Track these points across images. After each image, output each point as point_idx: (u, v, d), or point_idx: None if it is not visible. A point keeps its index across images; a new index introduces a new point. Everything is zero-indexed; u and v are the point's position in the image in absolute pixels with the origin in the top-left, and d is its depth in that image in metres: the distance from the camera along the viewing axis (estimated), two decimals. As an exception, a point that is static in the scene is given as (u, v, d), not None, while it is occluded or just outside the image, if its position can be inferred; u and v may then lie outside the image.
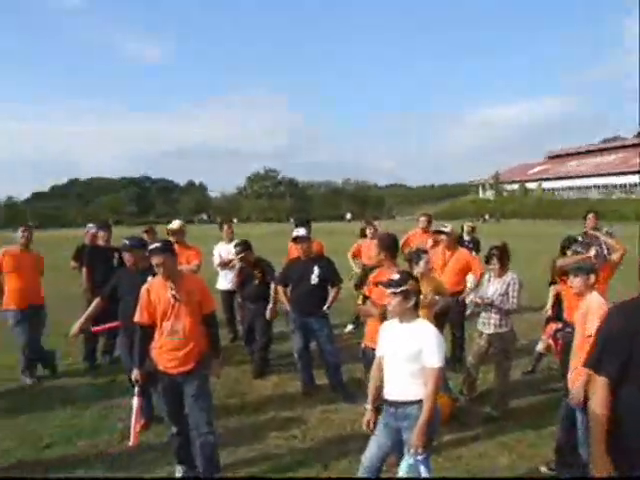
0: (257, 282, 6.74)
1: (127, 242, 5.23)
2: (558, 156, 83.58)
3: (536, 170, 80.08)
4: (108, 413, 5.68)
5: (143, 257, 5.03)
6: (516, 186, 73.29)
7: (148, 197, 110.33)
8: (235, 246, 6.97)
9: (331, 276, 6.10)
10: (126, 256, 5.25)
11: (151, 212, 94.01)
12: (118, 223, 78.35)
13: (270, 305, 6.68)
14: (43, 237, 7.08)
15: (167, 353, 4.10)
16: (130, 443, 4.38)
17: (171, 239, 6.67)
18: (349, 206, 79.97)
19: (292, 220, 56.94)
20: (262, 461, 4.61)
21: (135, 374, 4.23)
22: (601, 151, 76.26)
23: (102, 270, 6.88)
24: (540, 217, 55.88)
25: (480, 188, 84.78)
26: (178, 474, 4.35)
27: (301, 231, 6.20)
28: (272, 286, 6.67)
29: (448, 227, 7.05)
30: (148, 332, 4.18)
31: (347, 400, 5.81)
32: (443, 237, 6.92)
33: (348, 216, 67.73)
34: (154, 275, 4.35)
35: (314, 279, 5.96)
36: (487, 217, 59.96)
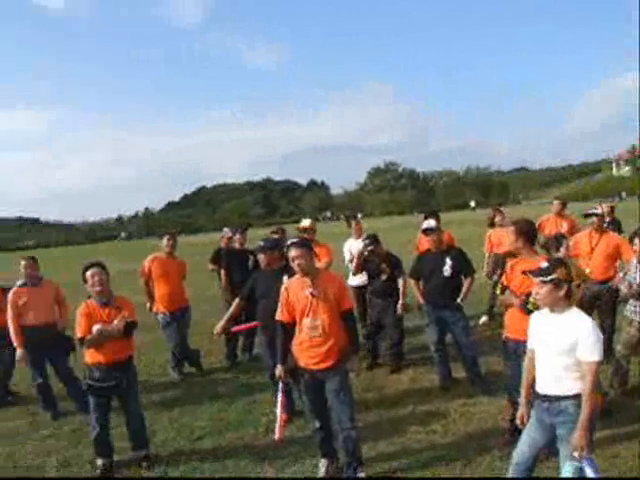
0: (385, 277, 6.72)
1: (262, 244, 5.43)
2: None
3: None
4: (252, 408, 5.92)
5: (277, 258, 5.22)
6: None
7: (272, 199, 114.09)
8: (364, 239, 6.98)
9: (463, 267, 5.97)
10: (261, 257, 5.45)
11: (277, 213, 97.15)
12: (247, 226, 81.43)
13: (400, 300, 6.65)
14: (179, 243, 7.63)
15: (308, 350, 4.19)
16: (275, 437, 4.54)
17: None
18: (473, 194, 77.61)
19: (416, 212, 56.25)
20: (403, 455, 4.60)
21: (278, 370, 4.38)
22: None
23: (239, 272, 7.25)
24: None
25: (614, 165, 79.02)
26: (322, 467, 4.44)
27: (431, 223, 6.11)
28: (400, 281, 6.64)
29: (599, 208, 6.59)
30: (289, 330, 4.30)
31: (486, 393, 5.65)
32: (594, 219, 6.46)
33: (472, 204, 65.79)
34: (290, 275, 4.49)
35: (447, 271, 5.85)
36: (624, 195, 55.68)
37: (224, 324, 5.53)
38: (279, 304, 4.31)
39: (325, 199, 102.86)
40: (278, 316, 4.32)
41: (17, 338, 5.95)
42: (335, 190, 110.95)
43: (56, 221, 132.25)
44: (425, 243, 6.61)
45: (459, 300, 5.90)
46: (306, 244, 4.24)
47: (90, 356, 4.71)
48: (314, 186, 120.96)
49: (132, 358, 4.93)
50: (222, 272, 7.66)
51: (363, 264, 6.96)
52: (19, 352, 5.94)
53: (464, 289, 5.94)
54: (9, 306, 6.01)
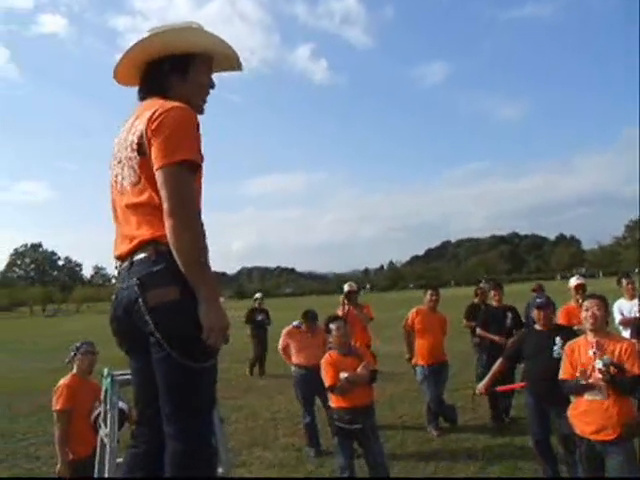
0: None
1: (540, 300, 5.18)
2: None
3: None
4: (515, 472, 5.61)
5: (552, 316, 5.04)
6: None
7: (519, 254, 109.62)
8: None
9: None
10: (538, 314, 5.09)
11: (523, 269, 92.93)
12: (487, 282, 79.17)
13: None
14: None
15: (585, 415, 3.90)
16: None
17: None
18: None
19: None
20: None
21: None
22: None
23: (495, 329, 7.07)
24: None
25: None
26: None
27: None
28: None
29: None
30: None
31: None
32: None
33: None
34: (563, 336, 4.30)
35: None
36: None
37: (487, 383, 5.38)
38: (563, 362, 4.12)
39: (577, 254, 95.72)
40: (561, 375, 4.11)
41: None
42: (587, 245, 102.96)
43: (310, 271, 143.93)
44: None
45: None
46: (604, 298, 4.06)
47: (336, 401, 5.08)
48: (563, 240, 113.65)
49: (373, 404, 5.21)
50: (478, 329, 7.53)
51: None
52: None
53: None
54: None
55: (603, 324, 4.02)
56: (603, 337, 3.95)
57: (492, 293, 7.62)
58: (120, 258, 2.25)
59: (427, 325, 7.20)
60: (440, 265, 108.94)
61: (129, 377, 2.46)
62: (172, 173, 2.02)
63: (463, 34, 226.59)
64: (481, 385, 5.38)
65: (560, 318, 6.53)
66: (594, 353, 3.86)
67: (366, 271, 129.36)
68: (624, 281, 7.40)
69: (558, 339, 4.74)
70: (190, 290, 2.00)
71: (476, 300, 8.45)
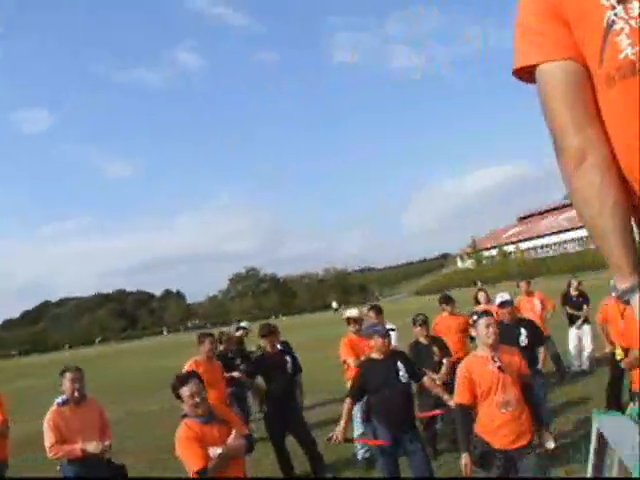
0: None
1: (378, 327, 4.86)
2: (528, 216, 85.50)
3: (510, 233, 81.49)
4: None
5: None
6: (494, 251, 74.06)
7: (128, 310, 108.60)
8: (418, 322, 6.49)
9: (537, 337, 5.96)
10: (380, 342, 4.70)
11: (137, 325, 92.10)
12: (103, 341, 76.56)
13: None
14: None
15: (501, 428, 3.91)
16: None
17: (351, 328, 6.43)
18: (335, 295, 79.94)
19: (281, 315, 54.98)
20: None
21: (466, 459, 3.93)
22: (570, 206, 78.33)
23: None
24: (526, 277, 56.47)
25: (458, 259, 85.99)
26: None
27: (505, 296, 5.94)
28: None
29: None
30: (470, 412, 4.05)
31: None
32: None
33: (334, 305, 67.17)
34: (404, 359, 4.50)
35: (523, 341, 5.67)
36: (479, 284, 59.96)
37: (344, 427, 4.62)
38: (458, 385, 4.03)
39: (186, 308, 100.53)
40: (458, 400, 4.03)
41: None
42: (191, 299, 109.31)
43: None
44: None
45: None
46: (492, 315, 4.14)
47: None
48: (169, 296, 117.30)
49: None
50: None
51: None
52: None
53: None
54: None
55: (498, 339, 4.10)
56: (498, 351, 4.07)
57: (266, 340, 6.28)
58: None
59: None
60: (44, 327, 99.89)
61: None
62: None
63: (69, 86, 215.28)
64: (338, 431, 4.57)
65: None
66: (499, 367, 3.94)
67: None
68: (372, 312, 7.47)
69: (399, 364, 4.66)
70: None
71: (222, 347, 7.89)
